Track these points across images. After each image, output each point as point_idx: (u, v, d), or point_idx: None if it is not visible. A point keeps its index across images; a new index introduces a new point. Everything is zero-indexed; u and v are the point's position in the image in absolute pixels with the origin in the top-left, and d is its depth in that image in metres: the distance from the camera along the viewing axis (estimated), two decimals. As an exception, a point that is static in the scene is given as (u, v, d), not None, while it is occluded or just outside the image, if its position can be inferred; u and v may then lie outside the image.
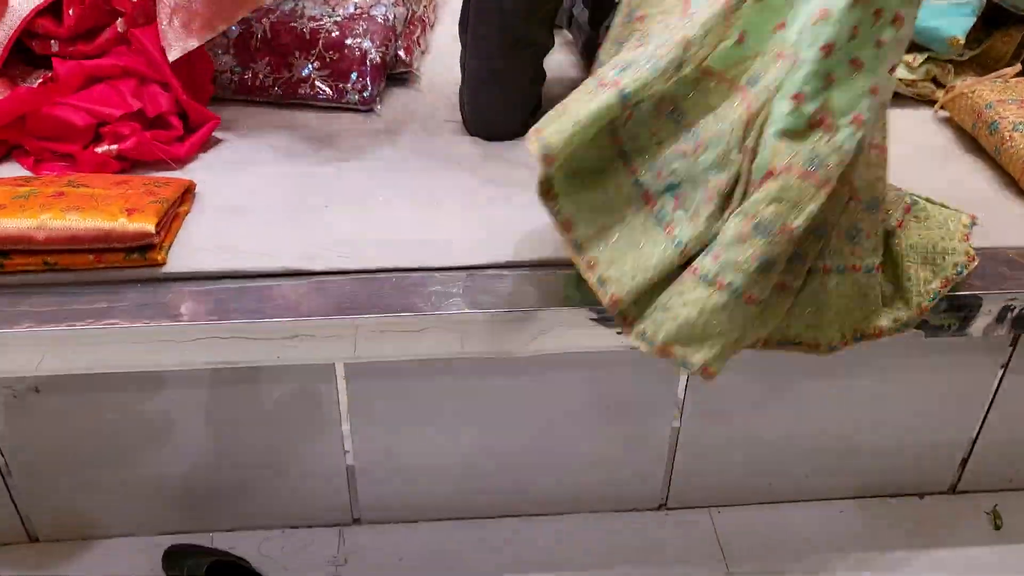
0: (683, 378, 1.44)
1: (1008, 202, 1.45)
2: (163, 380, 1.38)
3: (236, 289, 1.25)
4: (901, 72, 1.72)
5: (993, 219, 1.41)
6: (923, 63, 1.72)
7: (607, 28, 1.47)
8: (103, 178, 1.37)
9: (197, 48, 1.58)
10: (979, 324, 1.29)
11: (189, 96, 1.55)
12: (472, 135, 1.65)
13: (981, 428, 1.57)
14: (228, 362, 1.23)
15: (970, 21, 1.69)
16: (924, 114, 1.72)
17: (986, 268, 1.30)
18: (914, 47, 1.73)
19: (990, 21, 1.76)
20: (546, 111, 1.67)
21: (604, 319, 1.22)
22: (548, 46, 1.66)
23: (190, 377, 1.38)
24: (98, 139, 1.48)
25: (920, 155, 1.58)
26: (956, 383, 1.52)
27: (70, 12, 1.54)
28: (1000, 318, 1.29)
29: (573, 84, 1.81)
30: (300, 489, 1.53)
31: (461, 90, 1.68)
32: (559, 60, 1.86)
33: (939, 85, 1.75)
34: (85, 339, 1.18)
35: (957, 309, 1.27)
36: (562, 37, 1.93)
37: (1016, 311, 1.28)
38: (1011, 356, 1.49)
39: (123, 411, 1.41)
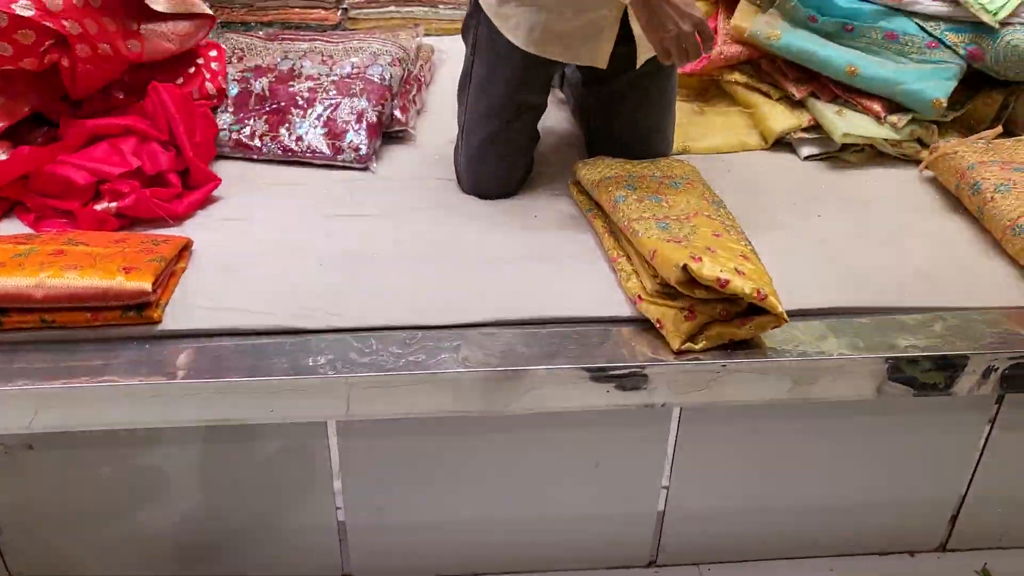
0: (672, 436, 1.45)
1: (990, 262, 1.47)
2: (157, 436, 1.39)
3: (230, 347, 1.26)
4: (886, 132, 1.76)
5: (976, 279, 1.43)
6: (908, 124, 1.76)
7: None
8: (102, 236, 1.39)
9: (202, 108, 1.62)
10: (964, 383, 1.31)
11: (195, 156, 1.58)
12: (466, 193, 1.68)
13: (969, 486, 1.58)
14: (222, 419, 1.24)
15: (952, 84, 1.74)
16: (909, 173, 1.76)
17: (970, 328, 1.33)
18: (899, 108, 1.77)
19: (972, 84, 1.81)
20: (539, 171, 1.72)
21: (596, 378, 1.24)
22: (544, 108, 1.70)
23: (183, 433, 1.39)
24: (98, 196, 1.51)
25: (905, 213, 1.61)
26: (944, 441, 1.53)
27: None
28: (985, 376, 1.31)
29: (566, 142, 1.86)
30: (292, 545, 1.52)
31: (456, 149, 1.71)
32: (552, 118, 1.89)
33: (924, 145, 1.79)
34: (81, 396, 1.19)
35: (943, 368, 1.29)
36: (554, 96, 1.97)
37: (1000, 370, 1.30)
38: (997, 413, 1.51)
39: (116, 467, 1.41)
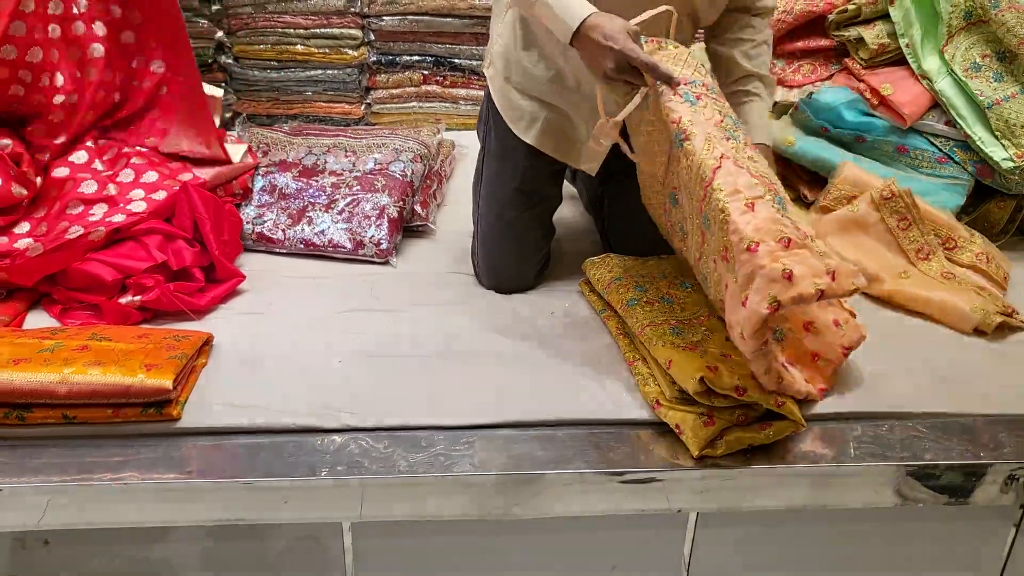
0: (689, 539, 1.44)
1: (1001, 368, 1.47)
2: (170, 531, 1.38)
3: (247, 445, 1.27)
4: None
5: (990, 385, 1.43)
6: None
7: None
8: (125, 331, 1.41)
9: (228, 206, 1.66)
10: (985, 492, 1.30)
11: (221, 252, 1.61)
12: (485, 287, 1.69)
13: (995, 594, 1.55)
14: (237, 519, 1.24)
15: (962, 200, 1.76)
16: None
17: (993, 437, 1.32)
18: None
19: (985, 188, 1.83)
20: (556, 264, 1.74)
21: (614, 482, 1.23)
22: (558, 201, 1.73)
23: (197, 528, 1.38)
24: (123, 289, 1.53)
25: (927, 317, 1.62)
26: (968, 548, 1.51)
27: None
28: (1006, 485, 1.30)
29: (581, 238, 1.88)
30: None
31: (473, 243, 1.73)
32: (566, 214, 1.92)
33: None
34: (100, 493, 1.20)
35: (966, 476, 1.28)
36: (567, 191, 2.00)
37: (1021, 479, 1.29)
38: (1021, 519, 1.48)
39: (131, 563, 1.40)
